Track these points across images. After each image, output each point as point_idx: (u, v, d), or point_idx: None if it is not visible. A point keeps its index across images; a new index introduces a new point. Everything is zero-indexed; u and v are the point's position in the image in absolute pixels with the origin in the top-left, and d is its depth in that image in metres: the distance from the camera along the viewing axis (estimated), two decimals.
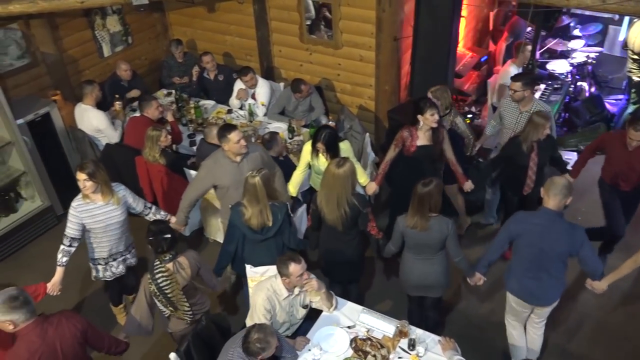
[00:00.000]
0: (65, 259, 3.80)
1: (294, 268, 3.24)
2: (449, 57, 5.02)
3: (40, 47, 5.71)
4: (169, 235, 3.37)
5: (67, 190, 5.78)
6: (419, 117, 4.26)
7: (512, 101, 4.70)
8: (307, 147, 4.44)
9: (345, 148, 4.33)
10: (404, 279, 3.90)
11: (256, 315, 3.35)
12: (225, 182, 4.12)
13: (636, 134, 4.04)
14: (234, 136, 3.98)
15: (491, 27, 7.93)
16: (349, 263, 4.00)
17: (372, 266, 4.96)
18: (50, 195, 5.58)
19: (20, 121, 5.16)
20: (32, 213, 5.43)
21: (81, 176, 3.69)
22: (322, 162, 4.32)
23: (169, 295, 3.37)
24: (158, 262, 3.38)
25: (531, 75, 4.68)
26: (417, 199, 3.51)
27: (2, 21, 5.29)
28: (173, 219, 4.25)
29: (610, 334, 4.34)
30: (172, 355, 3.28)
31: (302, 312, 3.57)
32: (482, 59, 7.25)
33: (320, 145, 4.21)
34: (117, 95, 5.77)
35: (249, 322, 3.44)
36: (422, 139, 4.36)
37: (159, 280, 3.34)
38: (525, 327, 3.97)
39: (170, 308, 3.46)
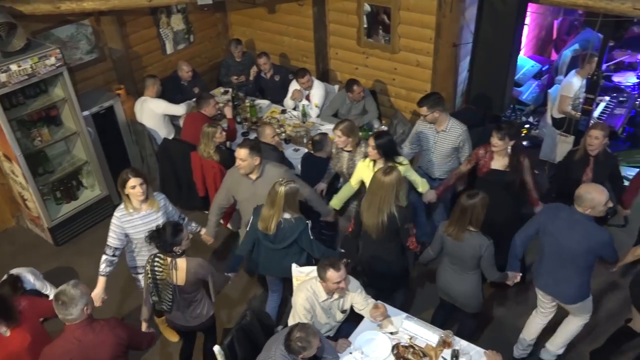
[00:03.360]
0: (108, 268, 3.78)
1: (331, 274, 3.25)
2: (509, 65, 4.88)
3: (108, 43, 5.98)
4: (160, 244, 3.36)
5: None
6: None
7: (427, 123, 4.59)
8: (363, 164, 4.31)
9: (404, 169, 4.19)
10: (436, 279, 3.95)
11: (297, 315, 3.39)
12: (239, 195, 4.18)
13: None
14: (237, 152, 4.00)
15: (555, 36, 7.68)
16: (384, 273, 3.94)
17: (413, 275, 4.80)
18: (109, 185, 5.81)
19: (85, 113, 5.41)
20: (91, 201, 5.69)
21: (136, 181, 3.60)
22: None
23: (157, 280, 3.42)
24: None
25: (434, 96, 4.52)
26: (460, 209, 3.47)
27: (75, 17, 5.58)
28: (203, 231, 4.33)
29: None
30: (217, 348, 3.35)
31: (340, 316, 3.57)
32: (544, 68, 7.03)
33: (372, 150, 4.11)
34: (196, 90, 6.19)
35: (291, 322, 3.47)
36: (497, 162, 4.16)
37: (155, 264, 3.42)
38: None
39: (154, 297, 3.48)
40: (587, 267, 3.55)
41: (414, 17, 5.57)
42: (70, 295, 2.79)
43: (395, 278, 4.00)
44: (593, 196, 3.34)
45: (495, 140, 4.03)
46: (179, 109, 5.81)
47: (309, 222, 3.87)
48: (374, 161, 4.20)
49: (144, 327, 3.63)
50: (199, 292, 3.58)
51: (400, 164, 4.16)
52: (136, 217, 3.75)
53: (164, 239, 3.33)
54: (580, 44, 6.96)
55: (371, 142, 4.09)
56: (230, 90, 6.43)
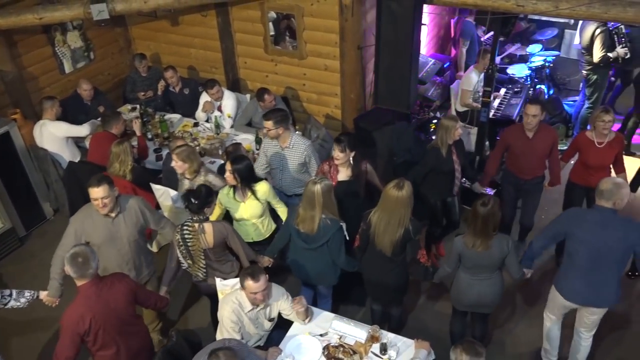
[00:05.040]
0: None
1: (249, 284, 3.22)
2: (412, 64, 5.08)
3: None
4: (196, 202, 3.63)
5: (29, 211, 5.68)
6: None
7: (271, 140, 4.59)
8: (222, 192, 4.19)
9: (264, 190, 4.14)
10: (457, 298, 3.84)
11: (224, 328, 3.33)
12: (97, 239, 3.70)
13: (531, 107, 4.41)
14: (95, 192, 3.52)
15: (452, 34, 8.10)
16: (393, 287, 3.90)
17: (417, 288, 4.87)
18: (12, 217, 5.44)
19: None
20: None
21: None
22: (241, 207, 4.12)
23: (189, 247, 3.69)
24: (190, 219, 3.71)
25: (281, 113, 4.56)
26: (481, 219, 3.40)
27: None
28: (43, 293, 3.77)
29: None
30: None
31: (268, 324, 3.55)
32: (445, 65, 7.39)
33: (229, 175, 3.99)
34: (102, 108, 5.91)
35: (219, 336, 3.41)
36: (342, 174, 4.25)
37: (184, 232, 3.69)
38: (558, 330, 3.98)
39: (189, 260, 3.76)
40: (623, 265, 3.52)
41: (318, 23, 5.67)
42: (87, 253, 3.07)
43: (398, 291, 3.97)
44: (623, 189, 3.35)
45: (337, 153, 4.15)
46: (83, 130, 5.54)
47: (344, 224, 3.75)
48: (233, 187, 4.11)
49: (162, 291, 3.85)
50: (226, 253, 3.88)
51: (257, 192, 4.11)
52: None
53: (199, 197, 3.63)
54: (462, 37, 7.38)
55: (228, 166, 4.01)
56: (138, 106, 6.23)
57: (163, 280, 3.93)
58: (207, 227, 3.69)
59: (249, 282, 3.21)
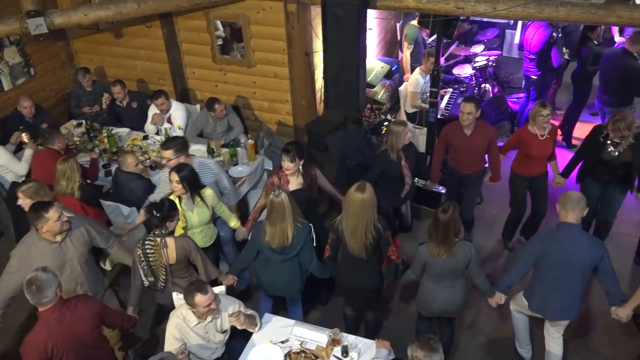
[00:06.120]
0: None
1: (200, 299, 3.17)
2: (359, 68, 5.16)
3: None
4: (158, 215, 3.54)
5: None
6: None
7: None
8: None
9: (211, 195, 4.10)
10: (422, 305, 3.84)
11: (167, 343, 3.29)
12: None
13: (466, 105, 4.55)
14: (52, 214, 3.41)
15: (399, 38, 8.26)
16: (369, 291, 3.88)
17: (389, 292, 4.87)
18: None
19: None
20: None
21: None
22: (190, 216, 4.05)
23: (150, 262, 3.59)
24: (152, 233, 3.61)
25: (179, 140, 4.40)
26: (443, 227, 3.41)
27: None
28: None
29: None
30: None
31: (220, 337, 3.47)
32: (393, 68, 7.52)
33: (177, 185, 3.90)
34: (21, 127, 5.47)
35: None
36: (293, 183, 4.22)
37: (146, 247, 3.58)
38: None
39: (150, 278, 3.65)
40: (585, 281, 3.59)
41: (265, 31, 5.68)
42: (43, 280, 2.95)
43: (374, 293, 3.94)
44: (580, 197, 3.47)
45: (286, 163, 4.12)
46: (21, 169, 5.15)
47: (312, 225, 3.73)
48: (180, 197, 4.01)
49: (129, 311, 3.76)
50: (189, 269, 3.79)
51: (205, 198, 4.06)
52: None
53: (161, 210, 3.52)
54: (406, 40, 7.56)
55: (174, 177, 3.91)
56: (83, 122, 6.05)
57: (130, 300, 3.79)
58: (170, 241, 3.61)
59: (199, 297, 3.15)
